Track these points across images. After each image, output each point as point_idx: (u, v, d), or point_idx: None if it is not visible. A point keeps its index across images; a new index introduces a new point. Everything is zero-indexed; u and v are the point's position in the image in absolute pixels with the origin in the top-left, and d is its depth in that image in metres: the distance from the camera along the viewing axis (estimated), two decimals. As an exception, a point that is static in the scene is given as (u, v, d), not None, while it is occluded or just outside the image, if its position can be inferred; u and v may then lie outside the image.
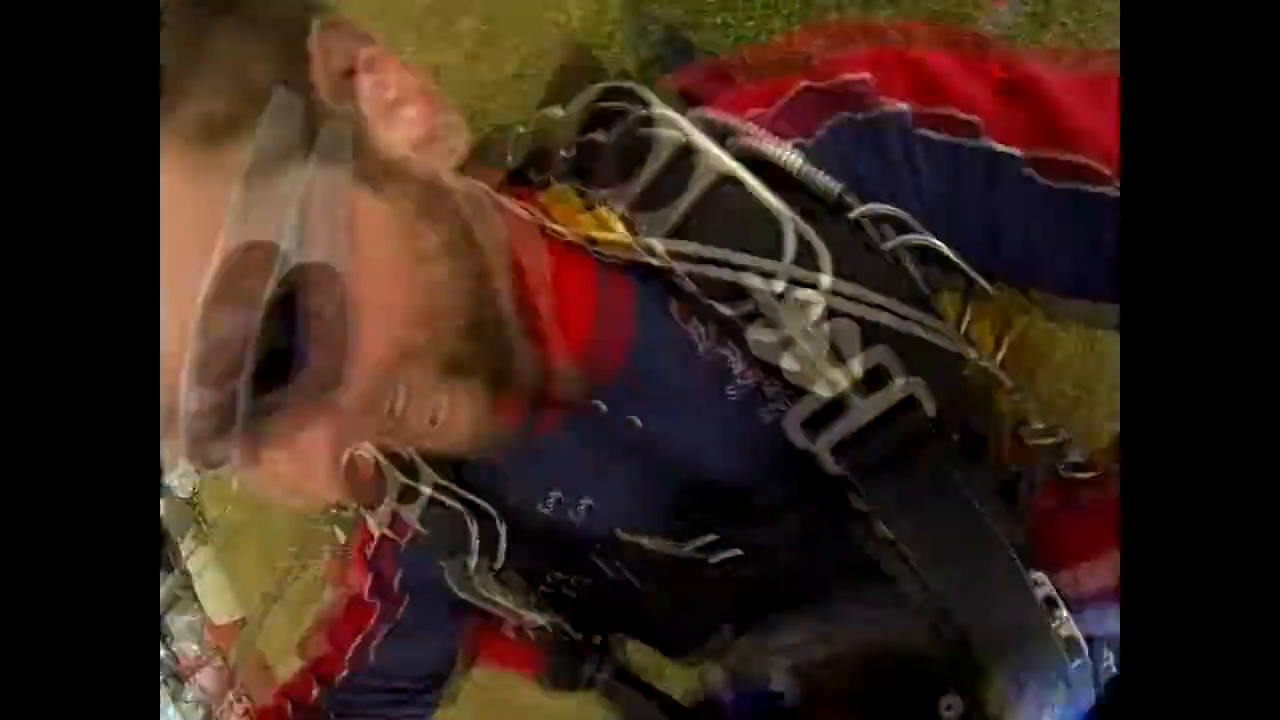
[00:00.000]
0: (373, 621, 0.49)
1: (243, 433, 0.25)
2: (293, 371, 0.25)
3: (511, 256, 0.32)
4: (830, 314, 0.31)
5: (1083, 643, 0.38)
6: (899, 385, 0.32)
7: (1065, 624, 0.38)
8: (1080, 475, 0.45)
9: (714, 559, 0.40)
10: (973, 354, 0.34)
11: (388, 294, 0.26)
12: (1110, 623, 0.41)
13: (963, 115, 0.30)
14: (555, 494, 0.43)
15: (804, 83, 0.32)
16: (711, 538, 0.40)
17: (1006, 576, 0.35)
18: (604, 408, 0.37)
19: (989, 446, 0.43)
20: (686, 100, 0.34)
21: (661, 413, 0.38)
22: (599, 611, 0.48)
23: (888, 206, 0.31)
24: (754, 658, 0.45)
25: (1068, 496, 0.44)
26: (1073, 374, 0.97)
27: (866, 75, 0.31)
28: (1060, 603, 0.37)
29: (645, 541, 0.41)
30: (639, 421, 0.38)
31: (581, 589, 0.47)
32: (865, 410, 0.32)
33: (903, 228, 0.32)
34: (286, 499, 0.29)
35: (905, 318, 0.32)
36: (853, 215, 0.31)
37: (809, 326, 0.31)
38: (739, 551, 0.40)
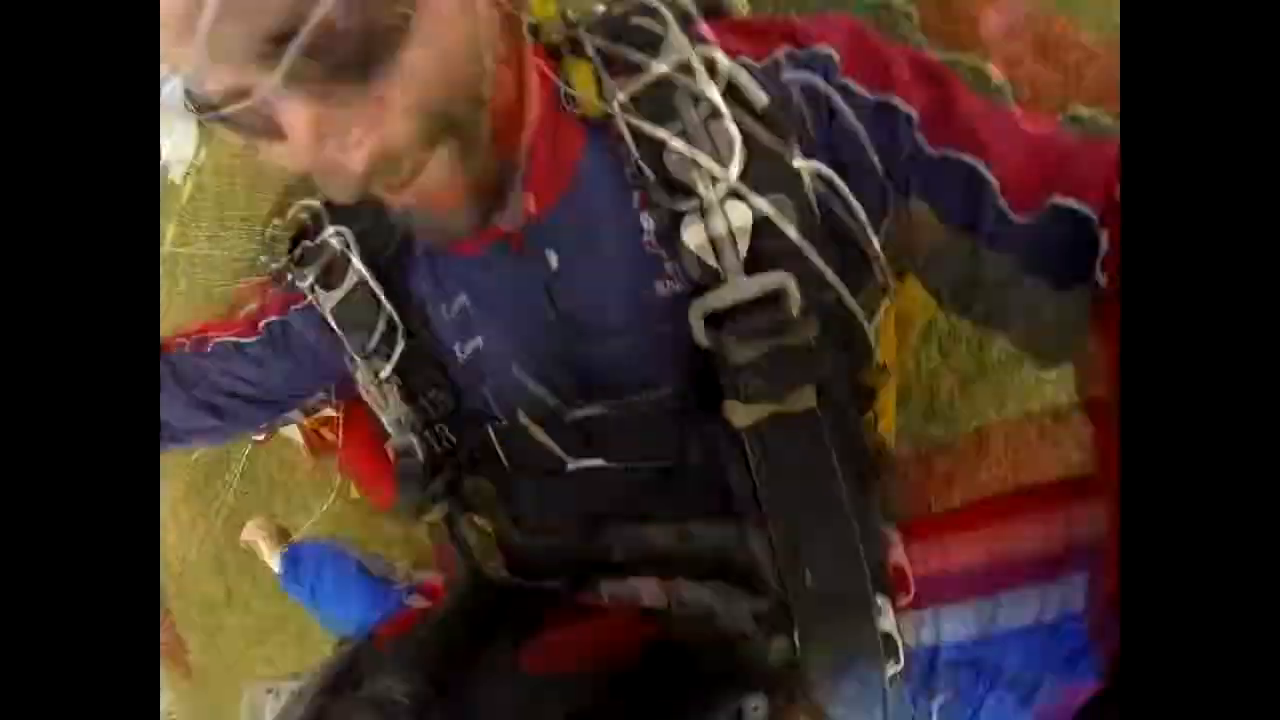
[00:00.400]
0: (235, 333, 0.55)
1: (288, 79, 0.27)
2: (345, 53, 0.28)
3: (516, 78, 0.39)
4: (736, 196, 0.37)
5: (901, 648, 0.42)
6: (774, 277, 0.36)
7: (887, 618, 0.42)
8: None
9: (571, 466, 0.46)
10: (850, 300, 0.40)
11: (439, 41, 0.31)
12: (960, 629, 0.44)
13: (885, 81, 0.38)
14: (461, 313, 0.46)
15: (786, 48, 0.39)
16: (581, 413, 0.44)
17: (840, 536, 0.39)
18: (552, 263, 0.42)
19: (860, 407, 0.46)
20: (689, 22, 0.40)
21: (574, 260, 0.42)
22: (463, 455, 0.51)
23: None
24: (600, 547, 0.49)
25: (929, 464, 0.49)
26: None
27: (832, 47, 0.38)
28: (888, 599, 0.42)
29: (530, 385, 0.45)
30: (554, 261, 0.42)
31: (454, 427, 0.50)
32: (740, 288, 0.37)
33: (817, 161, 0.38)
34: (265, 153, 0.34)
35: (803, 235, 0.37)
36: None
37: (717, 204, 0.36)
38: (600, 461, 0.45)
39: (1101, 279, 0.34)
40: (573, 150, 0.41)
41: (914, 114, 0.37)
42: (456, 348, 0.47)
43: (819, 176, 0.38)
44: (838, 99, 0.38)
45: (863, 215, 0.38)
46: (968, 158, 0.36)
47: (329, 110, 0.30)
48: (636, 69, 0.38)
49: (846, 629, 0.40)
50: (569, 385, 0.44)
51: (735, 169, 0.36)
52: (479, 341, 0.46)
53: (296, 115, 0.30)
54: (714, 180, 0.36)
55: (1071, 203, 0.35)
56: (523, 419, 0.45)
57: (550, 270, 0.42)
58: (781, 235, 0.37)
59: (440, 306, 0.47)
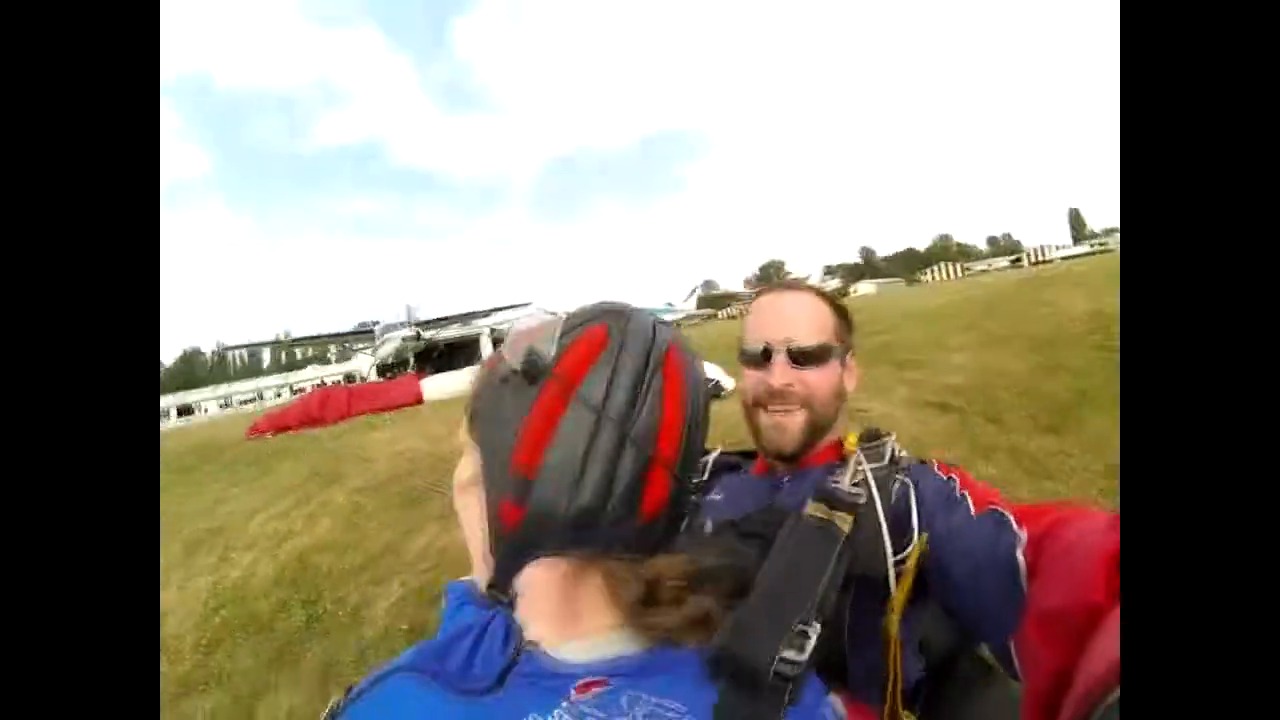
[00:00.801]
0: None
1: (792, 363, 0.92)
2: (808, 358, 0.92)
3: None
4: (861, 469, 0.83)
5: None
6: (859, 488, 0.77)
7: None
8: None
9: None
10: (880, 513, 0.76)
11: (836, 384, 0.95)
12: None
13: (948, 472, 0.80)
14: (727, 484, 1.00)
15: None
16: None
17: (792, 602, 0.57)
18: (786, 481, 0.93)
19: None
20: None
21: (792, 482, 0.92)
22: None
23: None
24: None
25: None
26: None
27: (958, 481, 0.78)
28: None
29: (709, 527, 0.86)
30: (784, 483, 0.94)
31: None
32: (843, 483, 0.77)
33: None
34: (746, 373, 0.96)
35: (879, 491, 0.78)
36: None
37: (853, 466, 0.83)
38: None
39: (1022, 560, 0.56)
40: (829, 455, 0.92)
41: (957, 480, 0.77)
42: (714, 492, 0.99)
43: (903, 482, 0.80)
44: (924, 473, 0.82)
45: (916, 517, 0.76)
46: (965, 491, 0.75)
47: (790, 379, 0.90)
48: (873, 436, 0.91)
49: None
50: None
51: (873, 467, 0.82)
52: (720, 497, 0.97)
53: (780, 367, 0.91)
54: (858, 467, 0.81)
55: (999, 508, 0.65)
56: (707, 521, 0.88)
57: (782, 488, 0.93)
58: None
59: (724, 475, 1.03)
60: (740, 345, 0.98)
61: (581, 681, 0.48)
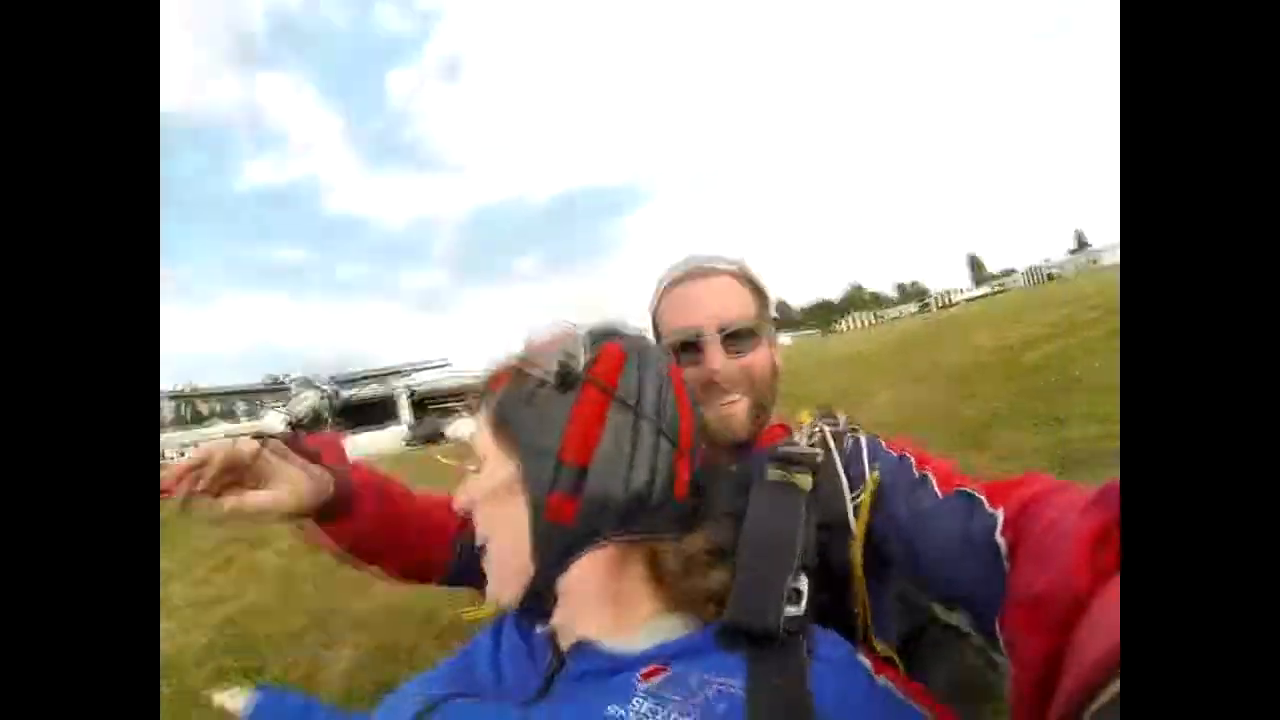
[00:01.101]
0: None
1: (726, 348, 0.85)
2: (743, 345, 0.86)
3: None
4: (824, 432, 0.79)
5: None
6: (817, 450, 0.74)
7: None
8: None
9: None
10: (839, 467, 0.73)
11: (767, 364, 0.90)
12: None
13: (919, 465, 0.69)
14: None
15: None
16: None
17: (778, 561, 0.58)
18: (739, 465, 0.79)
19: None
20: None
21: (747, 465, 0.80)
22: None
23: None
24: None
25: None
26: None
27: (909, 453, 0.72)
28: None
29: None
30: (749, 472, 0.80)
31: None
32: (798, 445, 0.75)
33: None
34: (685, 364, 0.82)
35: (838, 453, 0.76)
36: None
37: (808, 435, 0.80)
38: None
39: (1002, 542, 0.50)
40: (776, 435, 0.86)
41: (912, 459, 0.70)
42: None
43: (854, 438, 0.77)
44: (876, 445, 0.76)
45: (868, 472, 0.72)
46: (924, 470, 0.67)
47: (729, 365, 0.83)
48: (828, 417, 0.83)
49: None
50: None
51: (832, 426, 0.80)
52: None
53: (717, 354, 0.83)
54: (814, 429, 0.79)
55: (968, 488, 0.59)
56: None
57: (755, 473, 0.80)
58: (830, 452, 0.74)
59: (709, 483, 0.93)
60: (659, 338, 0.90)
61: (644, 670, 0.51)
